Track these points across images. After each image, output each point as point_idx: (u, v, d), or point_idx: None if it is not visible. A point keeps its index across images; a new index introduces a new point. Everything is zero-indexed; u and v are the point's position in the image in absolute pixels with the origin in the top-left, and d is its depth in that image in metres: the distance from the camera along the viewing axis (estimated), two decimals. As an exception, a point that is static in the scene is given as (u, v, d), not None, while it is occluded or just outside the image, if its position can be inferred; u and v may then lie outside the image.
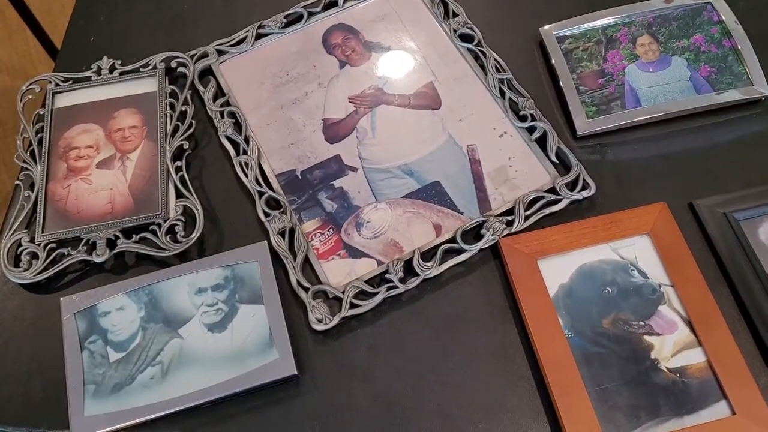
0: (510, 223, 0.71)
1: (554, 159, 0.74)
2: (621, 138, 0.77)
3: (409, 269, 0.69)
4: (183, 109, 0.80)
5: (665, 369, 0.63)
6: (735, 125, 0.77)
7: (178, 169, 0.75)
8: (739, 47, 0.78)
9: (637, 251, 0.69)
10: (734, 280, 0.67)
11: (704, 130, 0.77)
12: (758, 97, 0.76)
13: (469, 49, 0.82)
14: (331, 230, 0.72)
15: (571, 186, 0.73)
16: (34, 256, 0.72)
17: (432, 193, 0.73)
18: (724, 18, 0.80)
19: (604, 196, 0.73)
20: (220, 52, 0.84)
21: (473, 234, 0.71)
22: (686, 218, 0.72)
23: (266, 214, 0.73)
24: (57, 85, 0.83)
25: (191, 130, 0.79)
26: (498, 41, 0.84)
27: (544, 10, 0.86)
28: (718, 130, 0.77)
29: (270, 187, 0.75)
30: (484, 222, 0.71)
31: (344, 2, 0.87)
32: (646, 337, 0.64)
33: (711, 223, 0.70)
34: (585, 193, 0.72)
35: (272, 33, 0.85)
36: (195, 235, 0.71)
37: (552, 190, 0.72)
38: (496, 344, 0.67)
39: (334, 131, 0.78)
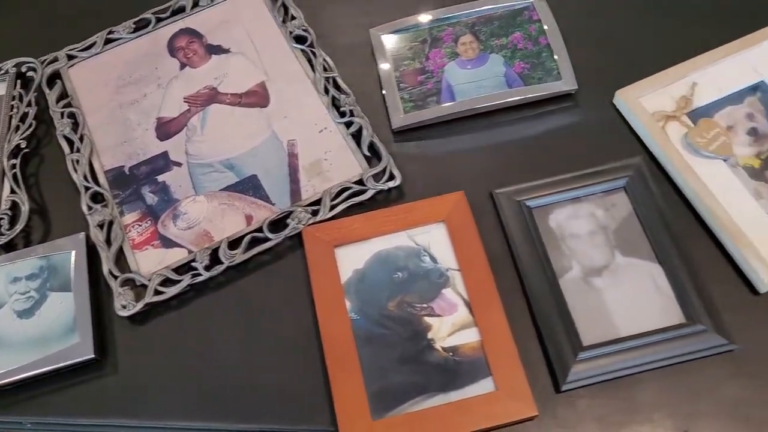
0: (316, 213, 0.74)
1: (367, 152, 0.78)
2: (438, 132, 0.80)
3: (216, 258, 0.73)
4: (26, 110, 0.84)
5: (440, 348, 0.66)
6: (545, 118, 0.80)
7: (12, 167, 0.79)
8: (552, 45, 0.81)
9: (432, 238, 0.72)
10: (519, 265, 0.70)
11: (517, 123, 0.80)
12: (564, 91, 0.79)
13: (303, 51, 0.86)
14: (149, 222, 0.76)
15: (381, 177, 0.76)
16: None
17: (248, 186, 0.77)
18: (541, 17, 0.83)
19: (414, 186, 0.77)
20: (70, 57, 0.89)
21: (283, 224, 0.75)
22: (487, 207, 0.74)
23: (89, 208, 0.76)
24: None
25: (31, 130, 0.83)
26: (338, 42, 0.88)
27: (383, 11, 0.89)
28: (530, 123, 0.80)
29: (97, 183, 0.78)
30: (291, 212, 0.74)
31: (192, 8, 0.91)
32: (426, 318, 0.67)
33: (506, 211, 0.73)
34: (391, 184, 0.75)
35: (121, 38, 0.90)
36: (18, 227, 0.75)
37: (360, 182, 0.76)
38: (293, 330, 0.70)
39: (165, 129, 0.82)
